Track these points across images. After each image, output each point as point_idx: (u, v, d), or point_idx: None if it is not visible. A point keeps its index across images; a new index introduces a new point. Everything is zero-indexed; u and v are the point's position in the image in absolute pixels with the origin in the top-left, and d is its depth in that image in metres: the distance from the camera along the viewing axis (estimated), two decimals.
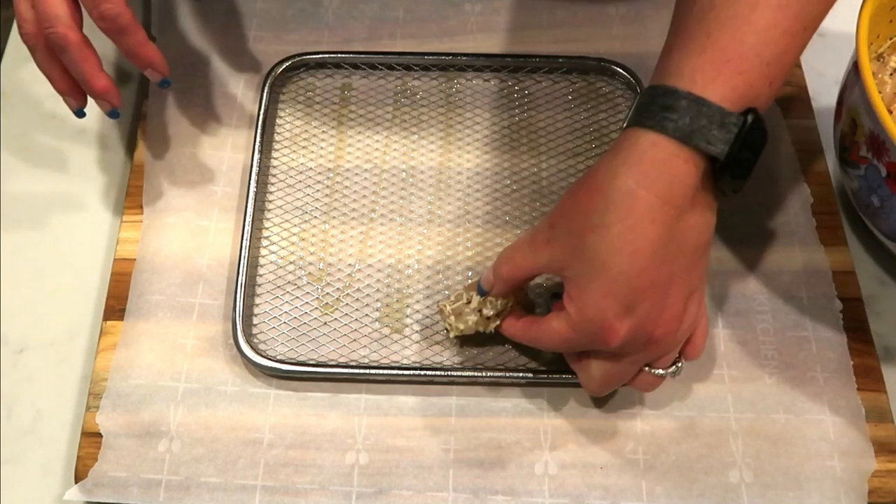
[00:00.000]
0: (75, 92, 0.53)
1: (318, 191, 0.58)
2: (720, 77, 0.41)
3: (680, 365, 0.47)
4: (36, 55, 0.51)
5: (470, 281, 0.54)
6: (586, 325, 0.43)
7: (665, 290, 0.43)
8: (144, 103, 0.61)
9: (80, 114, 0.54)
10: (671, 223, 0.42)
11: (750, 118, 0.41)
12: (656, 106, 0.42)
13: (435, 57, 0.62)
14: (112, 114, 0.53)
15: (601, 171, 0.43)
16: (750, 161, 0.42)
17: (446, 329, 0.51)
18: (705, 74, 0.41)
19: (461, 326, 0.50)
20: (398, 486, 0.48)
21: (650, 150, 0.42)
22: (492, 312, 0.49)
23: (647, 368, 0.47)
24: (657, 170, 0.41)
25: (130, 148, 0.60)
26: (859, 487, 0.48)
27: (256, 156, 0.57)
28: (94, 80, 0.51)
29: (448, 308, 0.50)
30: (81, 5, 0.50)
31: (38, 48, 0.51)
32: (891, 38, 0.57)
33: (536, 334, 0.47)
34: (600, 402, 0.51)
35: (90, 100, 0.53)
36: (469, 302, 0.50)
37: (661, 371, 0.47)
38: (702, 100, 0.41)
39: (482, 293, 0.49)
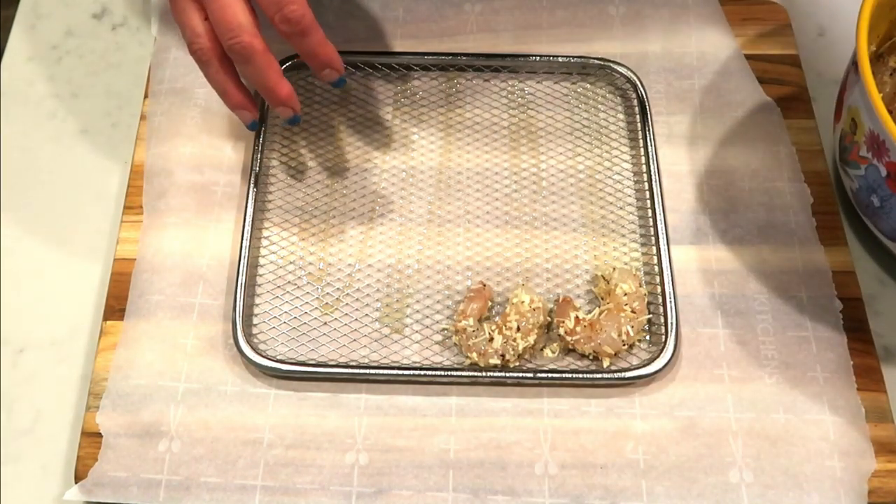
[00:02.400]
0: (250, 104, 0.53)
1: (318, 191, 0.58)
2: None
3: None
4: (209, 69, 0.50)
5: (470, 283, 0.55)
6: None
7: None
8: (144, 103, 0.61)
9: (253, 126, 0.54)
10: None
11: None
12: None
13: (435, 57, 0.62)
14: (293, 120, 0.53)
15: None
16: None
17: (461, 345, 0.52)
18: None
19: (479, 358, 0.51)
20: (398, 486, 0.48)
21: None
22: (520, 348, 0.51)
23: None
24: None
25: (130, 148, 0.60)
26: (859, 487, 0.48)
27: (256, 156, 0.57)
28: (280, 88, 0.50)
29: (470, 342, 0.51)
30: (260, 10, 0.49)
31: (212, 62, 0.50)
32: (891, 39, 0.57)
33: None
34: (600, 402, 0.51)
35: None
36: (491, 340, 0.51)
37: None
38: None
39: None
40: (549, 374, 0.51)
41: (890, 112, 0.48)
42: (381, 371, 0.51)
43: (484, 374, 0.51)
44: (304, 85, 0.62)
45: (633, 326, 0.51)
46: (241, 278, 0.53)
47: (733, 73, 0.62)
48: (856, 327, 0.53)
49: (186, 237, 0.56)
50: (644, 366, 0.51)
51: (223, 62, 0.50)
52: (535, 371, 0.51)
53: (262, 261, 0.55)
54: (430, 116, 0.61)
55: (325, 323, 0.53)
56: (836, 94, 0.55)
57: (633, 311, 0.52)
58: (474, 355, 0.51)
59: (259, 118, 0.58)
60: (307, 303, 0.54)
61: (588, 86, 0.62)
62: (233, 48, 0.48)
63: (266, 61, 0.49)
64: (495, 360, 0.50)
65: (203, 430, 0.50)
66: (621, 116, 0.61)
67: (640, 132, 0.59)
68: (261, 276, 0.55)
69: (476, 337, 0.51)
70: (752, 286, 0.55)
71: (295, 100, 0.52)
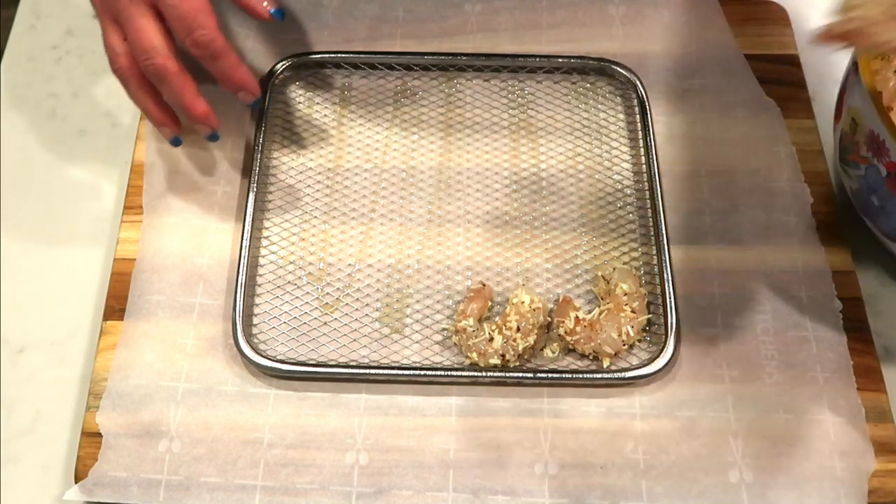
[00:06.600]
0: (171, 121, 0.54)
1: (318, 191, 0.58)
2: None
3: None
4: (130, 88, 0.52)
5: (470, 283, 0.55)
6: None
7: None
8: None
9: (176, 142, 0.55)
10: None
11: None
12: None
13: (435, 57, 0.62)
14: (212, 137, 0.54)
15: None
16: None
17: (461, 345, 0.52)
18: None
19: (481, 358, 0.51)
20: (398, 486, 0.48)
21: None
22: (519, 349, 0.51)
23: None
24: None
25: (130, 148, 0.60)
26: (859, 487, 0.48)
27: (256, 156, 0.57)
28: (194, 107, 0.52)
29: (470, 342, 0.51)
30: (174, 33, 0.50)
31: (131, 80, 0.52)
32: None
33: None
34: (600, 402, 0.51)
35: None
36: (491, 340, 0.51)
37: None
38: None
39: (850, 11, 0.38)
40: (549, 374, 0.51)
41: (890, 110, 0.48)
42: (381, 371, 0.51)
43: (484, 374, 0.51)
44: (303, 84, 0.62)
45: (633, 326, 0.51)
46: (241, 278, 0.53)
47: (733, 73, 0.62)
48: (856, 327, 0.53)
49: (186, 237, 0.56)
50: (644, 366, 0.51)
51: (142, 81, 0.52)
52: (535, 371, 0.51)
53: (262, 261, 0.55)
54: (430, 116, 0.61)
55: (325, 323, 0.53)
56: (836, 94, 0.55)
57: (633, 311, 0.52)
58: (474, 355, 0.51)
59: (261, 113, 0.58)
60: (307, 303, 0.54)
61: (588, 85, 0.62)
62: (147, 69, 0.50)
63: (180, 82, 0.51)
64: (495, 360, 0.50)
65: (203, 430, 0.50)
66: (621, 116, 0.61)
67: (640, 132, 0.59)
68: (261, 276, 0.55)
69: (476, 337, 0.51)
70: (752, 286, 0.55)
71: (211, 118, 0.53)
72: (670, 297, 0.53)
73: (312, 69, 0.63)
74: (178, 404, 0.50)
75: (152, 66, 0.50)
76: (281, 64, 0.61)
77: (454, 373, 0.51)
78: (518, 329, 0.51)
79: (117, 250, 0.55)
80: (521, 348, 0.50)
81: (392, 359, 0.52)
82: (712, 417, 0.50)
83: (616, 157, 0.59)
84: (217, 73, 0.52)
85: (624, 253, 0.56)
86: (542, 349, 0.52)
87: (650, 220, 0.56)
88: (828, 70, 0.64)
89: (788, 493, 0.48)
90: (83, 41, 0.66)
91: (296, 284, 0.55)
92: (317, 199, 0.58)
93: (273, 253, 0.56)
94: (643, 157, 0.58)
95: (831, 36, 0.39)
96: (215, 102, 0.61)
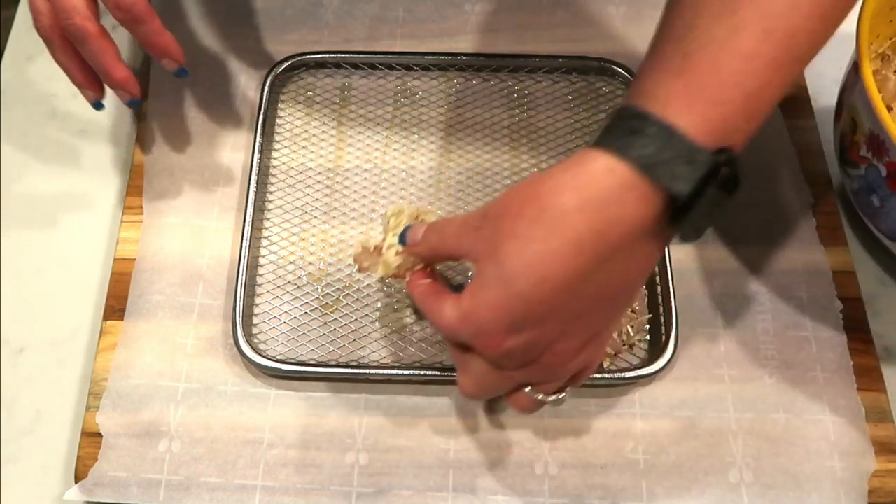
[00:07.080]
0: (93, 84, 0.52)
1: (318, 191, 0.58)
2: (695, 105, 0.37)
3: (563, 396, 0.44)
4: (52, 48, 0.51)
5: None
6: (472, 325, 0.40)
7: (567, 323, 0.40)
8: (144, 103, 0.61)
9: (98, 106, 0.54)
10: (598, 261, 0.38)
11: (722, 158, 0.37)
12: (623, 129, 0.38)
13: (435, 57, 0.62)
14: (132, 103, 0.53)
15: (548, 181, 0.39)
16: (718, 206, 0.38)
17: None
18: (678, 100, 0.37)
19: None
20: (398, 486, 0.49)
21: (604, 175, 0.37)
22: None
23: (526, 389, 0.44)
24: (605, 199, 0.37)
25: (130, 148, 0.60)
26: (859, 487, 0.48)
27: (256, 156, 0.57)
28: (114, 71, 0.50)
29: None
30: None
31: (54, 41, 0.50)
32: (891, 38, 0.57)
33: (429, 307, 0.43)
34: (600, 402, 0.51)
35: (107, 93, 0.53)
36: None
37: (540, 396, 0.44)
38: (672, 128, 0.37)
39: (402, 241, 0.46)
40: None
41: (890, 110, 0.48)
42: (381, 371, 0.51)
43: None
44: (303, 85, 0.62)
45: (633, 326, 0.51)
46: (241, 278, 0.53)
47: None
48: (856, 327, 0.53)
49: (186, 237, 0.56)
50: (644, 366, 0.51)
51: (65, 42, 0.51)
52: None
53: (262, 261, 0.55)
54: (430, 116, 0.61)
55: (325, 323, 0.53)
56: (836, 94, 0.55)
57: (633, 311, 0.52)
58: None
59: (261, 119, 0.58)
60: (307, 303, 0.54)
61: (588, 85, 0.62)
62: (68, 29, 0.49)
63: (100, 45, 0.49)
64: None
65: (203, 430, 0.50)
66: None
67: None
68: (261, 276, 0.55)
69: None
70: (752, 286, 0.55)
71: (132, 83, 0.51)
72: (670, 297, 0.53)
73: (312, 69, 0.63)
74: (178, 404, 0.50)
75: (73, 26, 0.49)
76: (281, 64, 0.61)
77: (454, 373, 0.51)
78: None
79: (117, 250, 0.55)
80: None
81: (392, 359, 0.52)
82: (712, 417, 0.50)
83: None
84: (140, 38, 0.50)
85: None
86: None
87: None
88: (828, 70, 0.64)
89: (788, 493, 0.48)
90: None
91: (296, 284, 0.55)
92: (317, 199, 0.58)
93: (273, 253, 0.56)
94: None
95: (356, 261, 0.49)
96: (215, 102, 0.61)
